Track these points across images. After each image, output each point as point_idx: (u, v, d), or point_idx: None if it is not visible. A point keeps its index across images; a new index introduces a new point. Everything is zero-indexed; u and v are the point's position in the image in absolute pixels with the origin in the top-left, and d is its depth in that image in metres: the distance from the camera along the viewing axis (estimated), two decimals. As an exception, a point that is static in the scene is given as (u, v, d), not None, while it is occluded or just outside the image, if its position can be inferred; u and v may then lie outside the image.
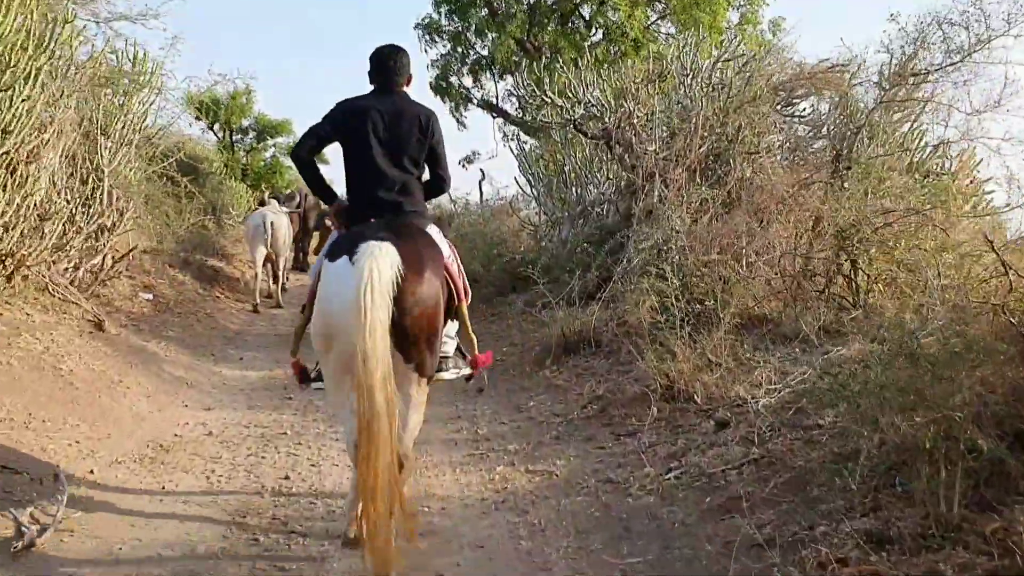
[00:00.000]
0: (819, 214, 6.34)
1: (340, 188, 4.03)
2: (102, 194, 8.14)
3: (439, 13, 16.38)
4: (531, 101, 8.36)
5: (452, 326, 3.78)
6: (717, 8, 15.03)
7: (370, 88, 3.75)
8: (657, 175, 7.29)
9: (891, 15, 6.70)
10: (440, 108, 17.22)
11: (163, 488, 4.26)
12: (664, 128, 7.65)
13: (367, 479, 2.88)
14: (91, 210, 7.97)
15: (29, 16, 6.02)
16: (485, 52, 16.17)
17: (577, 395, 5.74)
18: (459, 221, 14.00)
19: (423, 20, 16.38)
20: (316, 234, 14.47)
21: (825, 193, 6.13)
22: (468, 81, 16.98)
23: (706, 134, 7.46)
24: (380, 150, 3.60)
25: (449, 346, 3.86)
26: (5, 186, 6.09)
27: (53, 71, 7.02)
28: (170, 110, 9.71)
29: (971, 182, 7.31)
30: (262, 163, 24.85)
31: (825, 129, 8.09)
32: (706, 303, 5.55)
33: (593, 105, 7.88)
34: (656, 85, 7.70)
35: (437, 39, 16.35)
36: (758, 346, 5.46)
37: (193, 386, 6.44)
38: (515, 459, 4.72)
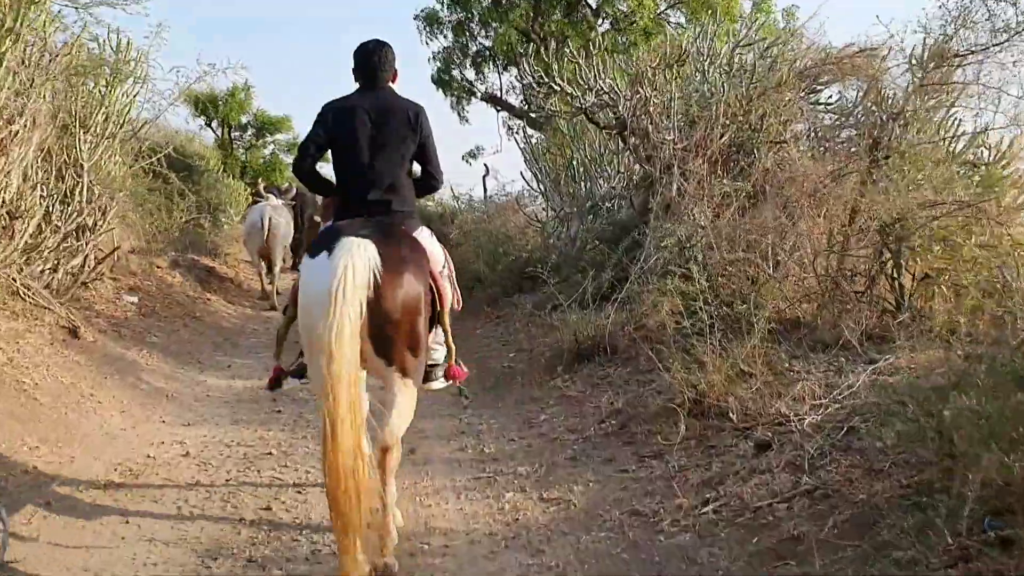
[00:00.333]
0: (855, 207, 5.80)
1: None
2: (81, 191, 7.63)
3: (440, 3, 15.85)
4: (538, 89, 7.81)
5: (439, 333, 3.65)
6: (730, -6, 14.49)
7: (355, 86, 3.70)
8: (676, 166, 6.74)
9: (931, -9, 6.15)
10: (441, 102, 16.71)
11: (127, 521, 3.74)
12: (682, 117, 7.10)
13: (329, 484, 2.78)
14: (69, 208, 7.46)
15: (-10, -4, 5.51)
16: (488, 43, 15.62)
17: (593, 408, 5.21)
18: (462, 218, 13.51)
19: (423, 11, 15.84)
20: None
21: (864, 184, 5.57)
22: (471, 74, 16.46)
23: (728, 122, 6.91)
24: (368, 149, 3.54)
25: (439, 354, 3.74)
26: (-34, 182, 5.59)
27: (25, 59, 6.52)
28: (157, 102, 9.14)
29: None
30: (261, 160, 24.40)
31: (853, 117, 7.58)
32: (736, 306, 5.00)
33: (605, 92, 7.33)
34: (674, 70, 7.14)
35: (438, 31, 15.81)
36: (795, 354, 4.93)
37: (174, 398, 5.92)
38: (526, 484, 4.19)
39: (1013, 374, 2.67)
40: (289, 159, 21.57)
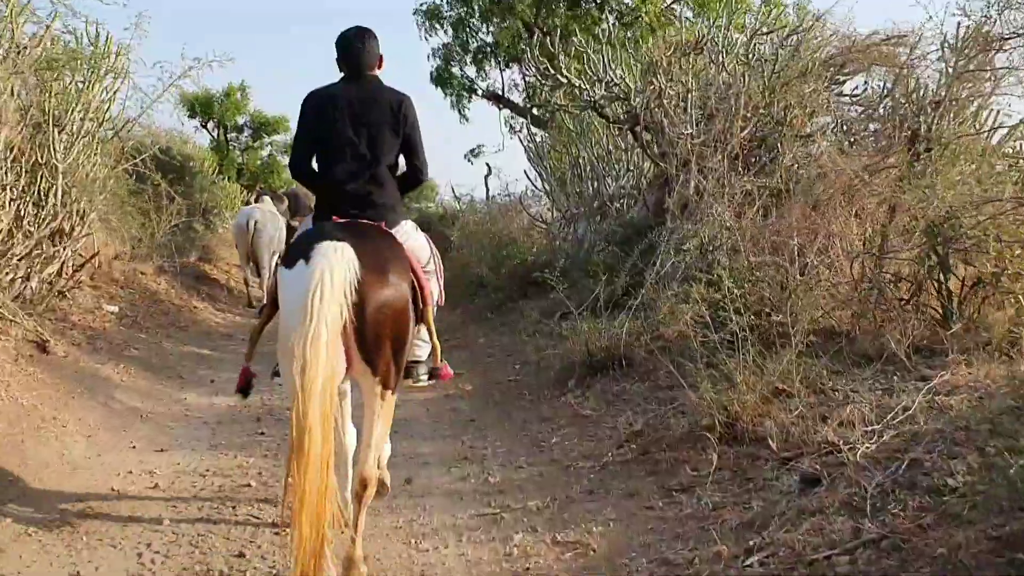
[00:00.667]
0: (893, 205, 5.29)
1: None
2: (56, 193, 7.13)
3: (441, -1, 15.31)
4: (543, 83, 7.30)
5: (423, 330, 3.56)
6: (740, -13, 13.94)
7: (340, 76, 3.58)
8: (693, 163, 6.23)
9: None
10: (441, 101, 16.18)
11: (76, 574, 3.23)
12: (699, 109, 6.59)
13: (293, 499, 2.57)
14: (43, 212, 6.96)
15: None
16: (489, 39, 15.10)
17: (610, 430, 4.70)
18: (464, 219, 13.01)
19: (422, 5, 15.32)
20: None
21: (906, 180, 5.05)
22: (471, 71, 15.92)
23: (749, 115, 6.40)
24: (350, 141, 3.42)
25: (422, 350, 3.68)
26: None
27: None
28: (141, 99, 8.61)
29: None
30: (259, 162, 23.93)
31: (884, 108, 7.06)
32: (764, 315, 4.49)
33: (615, 84, 6.82)
34: (690, 59, 6.62)
35: (438, 26, 15.28)
36: (834, 369, 4.42)
37: (148, 419, 5.40)
38: (537, 523, 3.67)
39: None
40: (287, 160, 21.10)
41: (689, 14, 14.79)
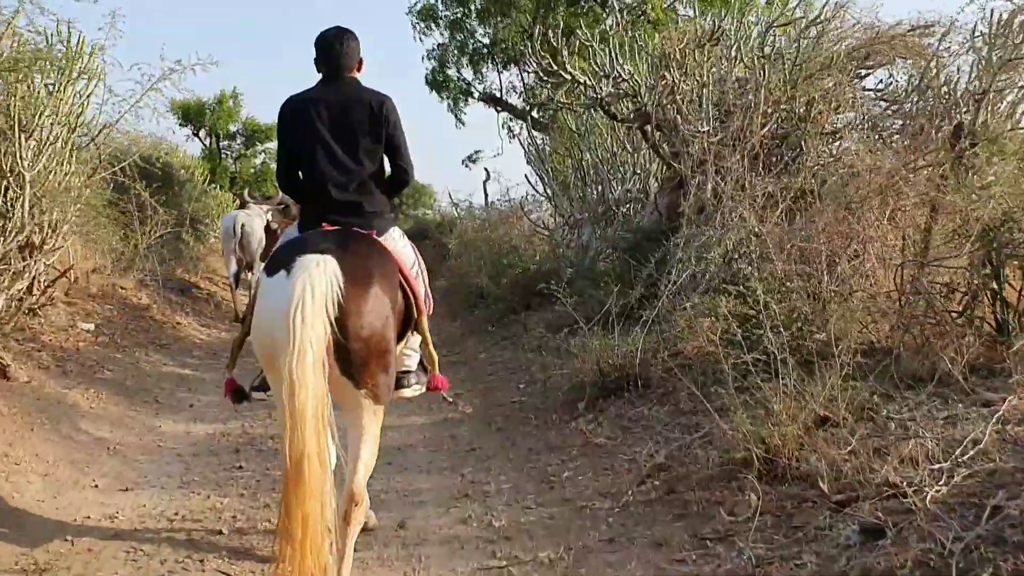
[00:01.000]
0: (935, 206, 4.80)
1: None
2: (23, 204, 6.63)
3: (436, -1, 14.81)
4: (547, 79, 6.80)
5: (415, 339, 3.49)
6: (745, -17, 13.48)
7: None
8: (710, 163, 5.74)
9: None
10: (437, 104, 15.70)
11: (7, 655, 2.73)
12: (715, 106, 6.10)
13: (293, 529, 2.51)
14: (8, 224, 6.46)
15: None
16: (487, 40, 14.62)
17: (628, 462, 4.19)
18: (462, 227, 12.54)
19: (416, 5, 14.82)
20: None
21: (957, 180, 4.55)
22: (468, 73, 15.43)
23: (769, 110, 5.92)
24: (330, 146, 3.30)
25: (412, 360, 3.59)
26: None
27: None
28: (118, 104, 8.10)
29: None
30: (252, 170, 23.49)
31: (908, 104, 6.58)
32: (812, 332, 3.99)
33: (624, 80, 6.33)
34: (705, 51, 6.13)
35: (433, 27, 14.79)
36: (879, 391, 3.92)
37: (116, 452, 4.89)
38: (552, 579, 3.17)
39: None
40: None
41: (691, 12, 14.34)
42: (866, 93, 6.95)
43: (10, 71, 6.44)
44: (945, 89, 5.92)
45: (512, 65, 14.57)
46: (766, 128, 5.86)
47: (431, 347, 3.48)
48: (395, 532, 3.72)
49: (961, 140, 4.89)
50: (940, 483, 2.97)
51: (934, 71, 6.11)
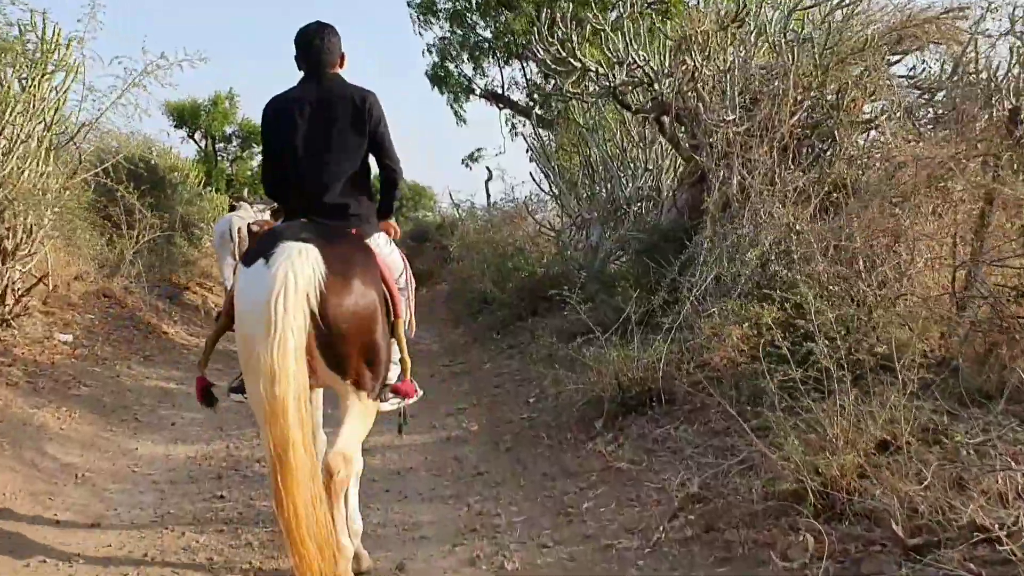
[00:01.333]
0: (991, 200, 4.31)
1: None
2: (-7, 208, 6.18)
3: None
4: (556, 67, 6.31)
5: (395, 350, 3.30)
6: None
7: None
8: (736, 155, 5.25)
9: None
10: (437, 104, 15.25)
11: None
12: (738, 94, 5.61)
13: (288, 521, 2.49)
14: (-23, 229, 6.02)
15: None
16: (488, 34, 14.13)
17: (657, 491, 3.70)
18: (463, 228, 12.07)
19: (417, -3, 14.31)
20: None
21: (1013, 170, 4.07)
22: (469, 69, 14.94)
23: (799, 98, 5.43)
24: (312, 146, 3.20)
25: (392, 373, 3.34)
26: None
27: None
28: (98, 101, 7.61)
29: None
30: (248, 172, 23.00)
31: (945, 92, 6.11)
32: (873, 347, 3.51)
33: (639, 66, 5.85)
34: (728, 33, 5.64)
35: (433, 20, 14.30)
36: (946, 409, 3.43)
37: (85, 480, 4.41)
38: (576, 641, 2.68)
39: None
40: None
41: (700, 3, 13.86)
42: (899, 79, 6.49)
43: (-24, 64, 6.00)
44: (985, 75, 5.48)
45: (514, 60, 14.08)
46: (795, 117, 5.38)
47: (406, 353, 3.33)
48: (393, 576, 3.25)
49: (1018, 126, 4.41)
50: (1037, 525, 2.49)
51: (972, 54, 5.66)
